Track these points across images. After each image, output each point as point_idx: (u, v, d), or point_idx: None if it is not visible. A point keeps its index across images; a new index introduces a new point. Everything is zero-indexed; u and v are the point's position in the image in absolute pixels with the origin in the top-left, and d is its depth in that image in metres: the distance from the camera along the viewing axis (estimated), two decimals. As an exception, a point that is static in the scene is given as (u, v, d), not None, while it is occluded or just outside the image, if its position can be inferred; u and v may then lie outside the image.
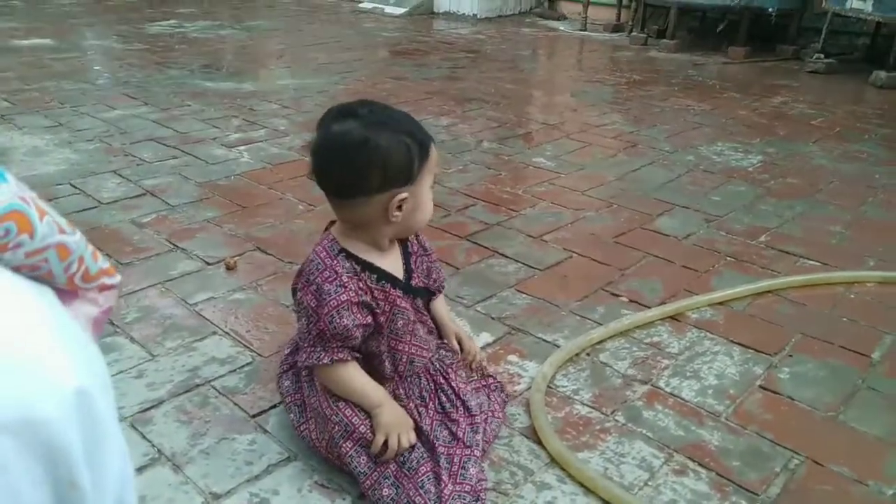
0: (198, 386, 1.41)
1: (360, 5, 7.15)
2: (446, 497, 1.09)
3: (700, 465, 1.24)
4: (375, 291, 1.14)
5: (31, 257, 0.62)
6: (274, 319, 1.64)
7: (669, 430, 1.32)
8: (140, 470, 1.19)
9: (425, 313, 1.26)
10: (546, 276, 1.89)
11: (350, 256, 1.14)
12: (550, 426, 1.29)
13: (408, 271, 1.22)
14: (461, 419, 1.20)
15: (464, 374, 1.28)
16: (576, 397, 1.41)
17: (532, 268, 1.93)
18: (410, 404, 1.20)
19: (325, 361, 1.13)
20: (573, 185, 2.56)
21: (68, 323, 0.63)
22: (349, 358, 1.15)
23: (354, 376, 1.16)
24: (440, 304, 1.34)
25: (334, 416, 1.15)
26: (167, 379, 1.42)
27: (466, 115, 3.45)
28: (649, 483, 1.20)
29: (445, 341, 1.33)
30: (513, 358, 1.54)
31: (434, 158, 1.13)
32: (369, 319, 1.14)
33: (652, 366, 1.52)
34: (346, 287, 1.11)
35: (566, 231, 2.17)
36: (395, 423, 1.14)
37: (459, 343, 1.33)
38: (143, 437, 1.26)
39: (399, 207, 1.10)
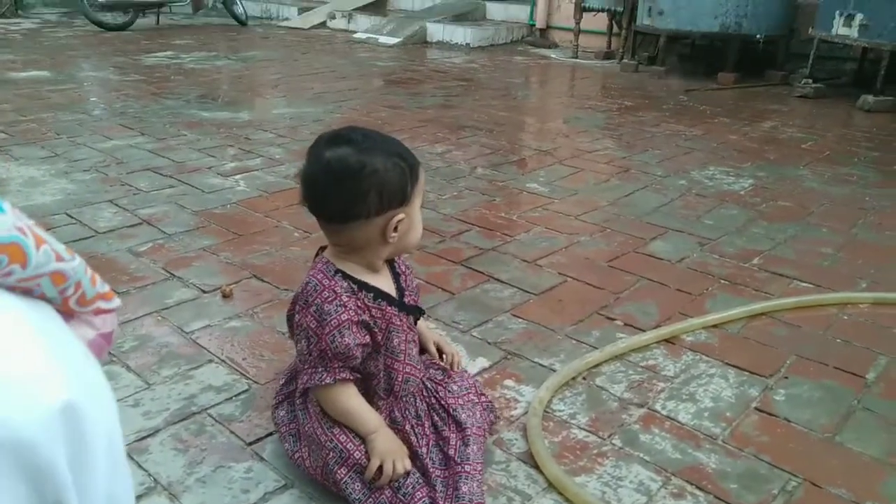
0: (194, 414, 1.40)
1: (355, 35, 7.24)
2: None
3: (698, 487, 1.24)
4: (373, 310, 1.16)
5: (23, 282, 0.62)
6: (270, 347, 1.65)
7: (667, 453, 1.32)
8: (136, 499, 1.17)
9: (416, 332, 1.27)
10: (541, 301, 1.90)
11: (346, 277, 1.15)
12: (548, 450, 1.29)
13: (399, 290, 1.23)
14: (452, 435, 1.21)
15: (455, 389, 1.28)
16: (572, 421, 1.41)
17: (527, 292, 1.94)
18: (406, 425, 1.20)
19: (327, 381, 1.14)
20: (567, 210, 2.58)
21: (61, 336, 0.62)
22: (350, 378, 1.15)
23: (353, 399, 1.17)
24: (422, 326, 1.37)
25: (328, 443, 1.15)
26: (163, 407, 1.42)
27: (460, 142, 3.48)
28: (647, 507, 1.20)
29: (427, 356, 1.35)
30: (509, 382, 1.54)
31: (422, 179, 1.16)
32: (368, 339, 1.15)
33: (648, 389, 1.52)
34: (346, 306, 1.12)
35: (560, 255, 2.19)
36: (390, 449, 1.14)
37: (439, 349, 1.37)
38: (140, 466, 1.26)
39: (395, 228, 1.13)
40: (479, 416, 1.26)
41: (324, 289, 1.13)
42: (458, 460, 1.17)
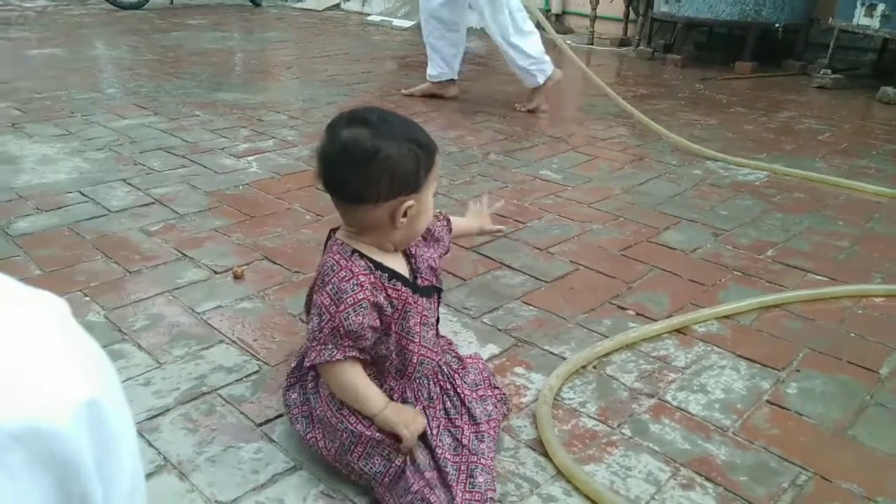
0: (204, 394, 1.41)
1: (369, 18, 7.21)
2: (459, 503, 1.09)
3: (707, 479, 1.24)
4: (389, 290, 1.15)
5: None
6: (281, 328, 1.65)
7: (676, 444, 1.32)
8: (146, 477, 1.18)
9: (433, 315, 1.27)
10: (553, 289, 1.90)
11: (363, 256, 1.15)
12: (558, 439, 1.29)
13: (413, 274, 1.23)
14: (465, 427, 1.21)
15: (470, 381, 1.28)
16: (582, 410, 1.41)
17: (539, 280, 1.94)
18: (418, 406, 1.20)
19: (337, 357, 1.13)
20: (580, 197, 2.57)
21: (78, 333, 0.63)
22: (359, 357, 1.15)
23: (360, 378, 1.17)
24: (455, 221, 1.40)
25: (340, 424, 1.16)
26: (174, 387, 1.43)
27: (474, 127, 3.47)
28: (656, 497, 1.19)
29: (444, 339, 1.34)
30: (519, 370, 1.53)
31: (438, 164, 1.16)
32: (378, 322, 1.15)
33: (659, 379, 1.52)
34: (362, 286, 1.12)
35: (573, 243, 2.18)
36: (404, 418, 1.15)
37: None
38: (150, 444, 1.26)
39: (405, 214, 1.12)
40: (491, 408, 1.27)
41: (341, 268, 1.13)
42: (473, 451, 1.17)
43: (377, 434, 1.14)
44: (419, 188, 1.12)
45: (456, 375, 1.27)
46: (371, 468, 1.14)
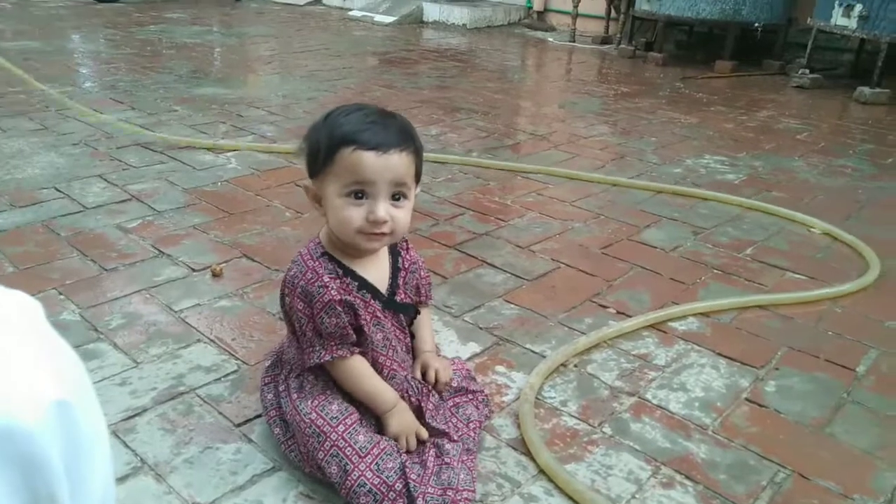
0: (182, 394, 1.39)
1: (350, 13, 7.16)
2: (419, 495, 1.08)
3: (687, 477, 1.24)
4: (357, 299, 1.15)
5: None
6: (260, 327, 1.63)
7: (657, 443, 1.32)
8: (123, 479, 1.17)
9: (406, 331, 1.26)
10: (534, 287, 1.89)
11: (333, 260, 1.15)
12: (541, 438, 1.28)
13: (393, 286, 1.22)
14: (430, 446, 1.19)
15: (436, 398, 1.26)
16: (563, 409, 1.41)
17: (520, 278, 1.93)
18: None
19: (326, 358, 1.15)
20: (561, 195, 2.57)
21: (50, 335, 0.61)
22: (348, 354, 1.16)
23: (364, 374, 1.18)
24: (424, 321, 1.32)
25: (308, 429, 1.15)
26: (151, 386, 1.40)
27: (455, 124, 3.45)
28: (636, 496, 1.19)
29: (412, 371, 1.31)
30: (500, 368, 1.53)
31: (345, 165, 1.09)
32: (355, 318, 1.15)
33: (639, 378, 1.52)
34: (327, 287, 1.13)
35: (554, 242, 2.18)
36: (405, 428, 1.17)
37: (423, 373, 1.28)
38: (126, 445, 1.24)
39: (317, 200, 1.16)
40: (471, 411, 1.26)
41: (307, 270, 1.15)
42: (440, 453, 1.16)
43: (341, 440, 1.12)
44: (314, 174, 1.15)
45: (423, 388, 1.25)
46: (331, 476, 1.12)
